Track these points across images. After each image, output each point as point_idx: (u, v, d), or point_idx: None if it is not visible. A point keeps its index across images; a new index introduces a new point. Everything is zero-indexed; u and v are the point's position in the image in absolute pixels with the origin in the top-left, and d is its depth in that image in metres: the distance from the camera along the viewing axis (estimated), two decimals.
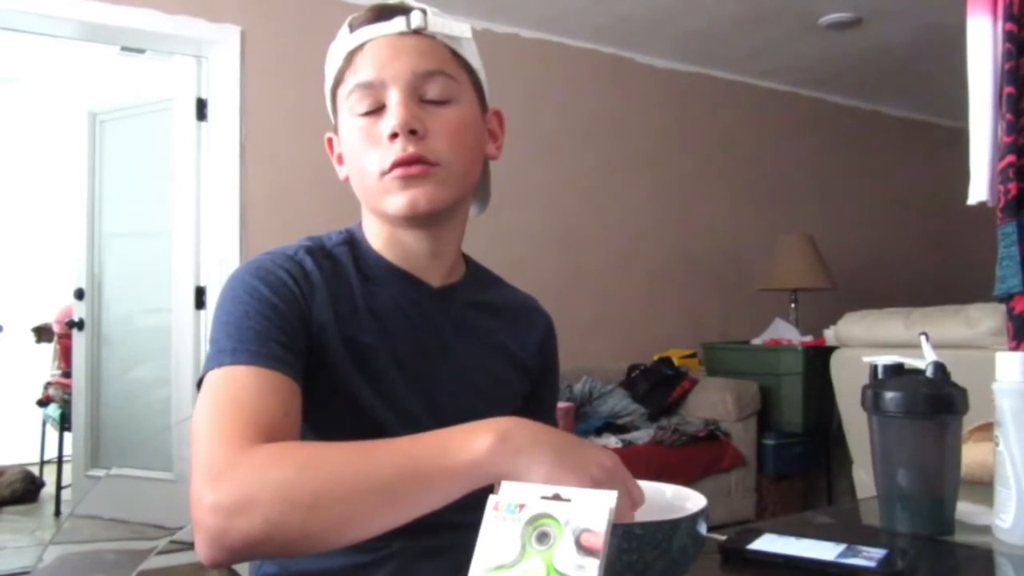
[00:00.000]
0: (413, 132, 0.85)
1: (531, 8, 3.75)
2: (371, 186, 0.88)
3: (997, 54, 1.70)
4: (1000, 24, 1.69)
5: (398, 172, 0.85)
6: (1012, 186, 1.67)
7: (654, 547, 0.62)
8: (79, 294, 3.91)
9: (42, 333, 4.98)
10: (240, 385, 0.76)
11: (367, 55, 0.87)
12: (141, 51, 3.66)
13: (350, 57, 0.88)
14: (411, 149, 0.85)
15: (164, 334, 3.43)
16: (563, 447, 0.65)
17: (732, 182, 4.64)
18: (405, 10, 0.88)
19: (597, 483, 0.62)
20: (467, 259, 1.03)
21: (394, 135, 0.85)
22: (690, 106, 4.51)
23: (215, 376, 0.77)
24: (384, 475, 0.65)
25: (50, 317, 4.79)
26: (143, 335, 3.67)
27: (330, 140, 0.97)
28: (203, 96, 3.33)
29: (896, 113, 5.43)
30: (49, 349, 4.89)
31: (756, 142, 4.75)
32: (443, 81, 0.87)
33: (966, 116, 1.75)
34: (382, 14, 0.88)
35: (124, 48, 3.75)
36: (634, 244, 4.27)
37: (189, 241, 3.32)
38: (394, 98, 0.85)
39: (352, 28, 0.89)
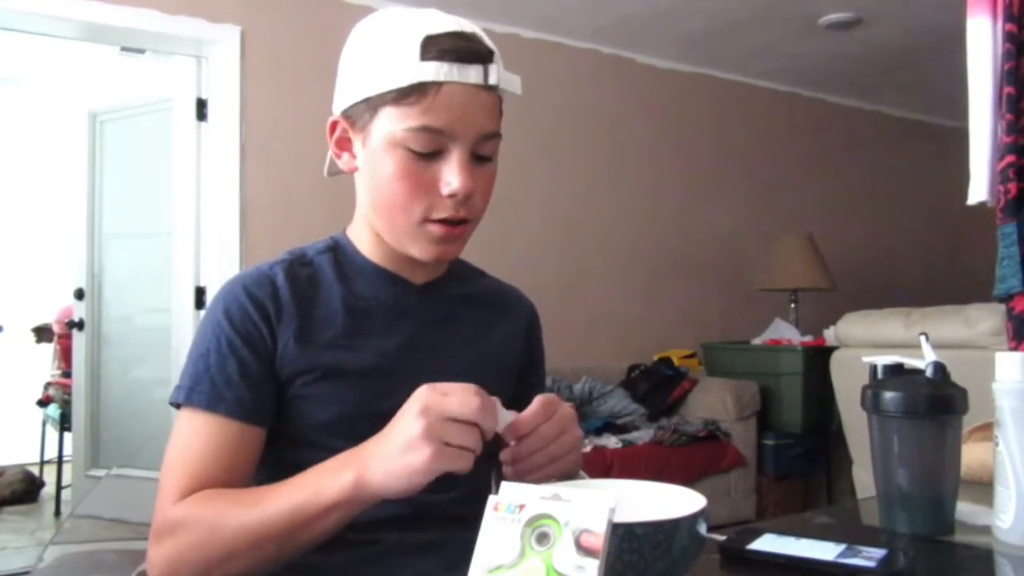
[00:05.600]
0: (468, 196, 0.88)
1: (531, 8, 3.75)
2: (402, 224, 0.89)
3: (997, 54, 1.70)
4: (1000, 24, 1.69)
5: (443, 229, 0.88)
6: (1012, 186, 1.67)
7: (654, 547, 0.62)
8: (79, 294, 3.91)
9: (42, 333, 4.99)
10: (192, 435, 0.86)
11: (443, 99, 0.84)
12: (141, 51, 3.66)
13: (422, 88, 0.84)
14: (463, 213, 0.88)
15: (164, 334, 3.43)
16: (396, 449, 0.73)
17: (732, 182, 4.64)
18: (483, 55, 0.86)
19: (417, 446, 0.71)
20: None
21: (452, 195, 0.86)
22: (690, 106, 4.51)
23: (179, 419, 0.88)
24: (277, 525, 0.78)
25: (50, 317, 4.80)
26: (143, 335, 3.67)
27: (335, 124, 0.93)
28: (203, 96, 3.32)
29: (896, 113, 5.43)
30: (49, 349, 4.90)
31: (756, 142, 4.75)
32: (496, 142, 0.90)
33: (966, 116, 1.75)
34: (463, 55, 0.85)
35: (124, 48, 3.75)
36: (634, 244, 4.27)
37: (189, 241, 3.32)
38: (458, 156, 0.86)
39: (425, 51, 0.84)
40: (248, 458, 0.88)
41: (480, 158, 0.89)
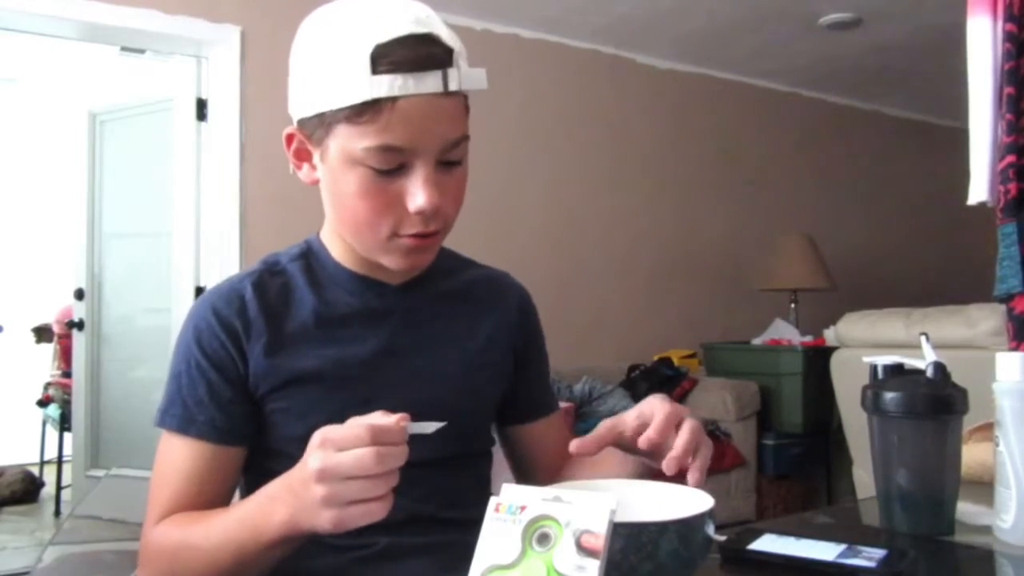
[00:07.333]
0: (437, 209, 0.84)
1: (531, 8, 3.75)
2: (370, 240, 0.86)
3: (997, 54, 1.70)
4: (1000, 24, 1.69)
5: (414, 242, 0.85)
6: (1012, 186, 1.67)
7: (637, 550, 0.61)
8: (79, 294, 3.91)
9: (42, 333, 4.98)
10: (168, 457, 0.88)
11: (400, 114, 0.78)
12: (141, 51, 3.66)
13: (376, 105, 0.78)
14: (432, 227, 0.84)
15: (164, 334, 3.42)
16: (304, 509, 0.71)
17: (732, 182, 4.63)
18: (440, 59, 0.79)
19: (320, 512, 0.69)
20: None
21: (419, 212, 0.82)
22: (690, 106, 4.51)
23: (160, 440, 0.89)
24: (225, 562, 0.79)
25: (50, 317, 4.80)
26: (143, 335, 3.67)
27: (291, 136, 0.90)
28: (203, 96, 3.32)
29: (896, 113, 5.43)
30: (49, 349, 4.89)
31: (756, 142, 4.75)
32: (463, 145, 0.84)
33: (966, 116, 1.75)
34: (418, 63, 0.78)
35: (124, 48, 3.74)
36: (634, 244, 4.27)
37: (189, 241, 3.32)
38: (422, 172, 0.81)
39: (376, 64, 0.77)
40: (224, 478, 0.88)
41: (448, 163, 0.84)
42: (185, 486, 0.86)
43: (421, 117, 0.79)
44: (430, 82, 0.78)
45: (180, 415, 0.87)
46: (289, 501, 0.73)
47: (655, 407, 0.80)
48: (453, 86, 0.79)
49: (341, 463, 0.66)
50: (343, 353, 0.90)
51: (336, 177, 0.84)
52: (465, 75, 0.81)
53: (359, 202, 0.83)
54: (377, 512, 0.68)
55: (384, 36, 0.78)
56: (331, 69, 0.80)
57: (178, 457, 0.87)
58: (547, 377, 1.10)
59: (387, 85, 0.77)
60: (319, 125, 0.83)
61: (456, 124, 0.83)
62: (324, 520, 0.68)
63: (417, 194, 0.81)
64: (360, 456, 0.66)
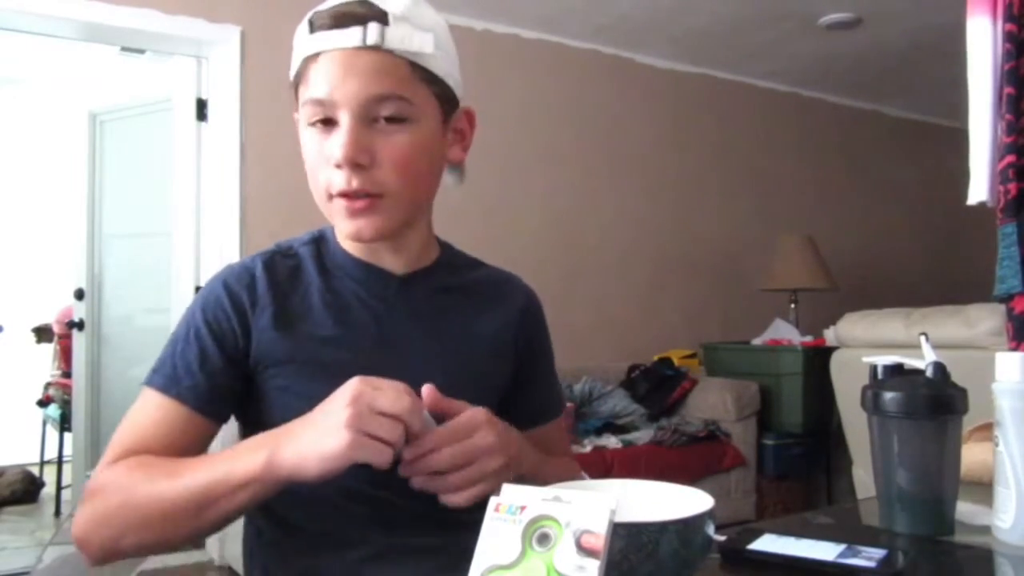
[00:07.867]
0: (359, 165, 0.84)
1: (531, 8, 3.75)
2: (319, 202, 0.90)
3: (997, 54, 1.70)
4: (1000, 24, 1.69)
5: (343, 203, 0.86)
6: (1012, 186, 1.67)
7: (637, 550, 0.61)
8: (79, 294, 3.91)
9: (42, 333, 4.98)
10: (143, 411, 0.88)
11: (321, 68, 0.84)
12: (141, 51, 3.67)
13: (306, 63, 0.85)
14: (355, 184, 0.84)
15: (164, 334, 3.37)
16: (315, 433, 0.73)
17: (732, 182, 4.64)
18: (361, 17, 0.83)
19: (336, 432, 0.70)
20: (442, 243, 1.03)
21: (337, 165, 0.84)
22: (690, 106, 4.51)
23: (139, 396, 0.90)
24: (187, 500, 0.77)
25: (50, 317, 4.79)
26: (143, 335, 3.67)
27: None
28: (203, 96, 3.33)
29: (896, 113, 5.43)
30: (49, 349, 4.89)
31: (756, 142, 4.75)
32: (397, 104, 0.84)
33: (966, 116, 1.75)
34: (340, 20, 0.83)
35: (124, 48, 3.75)
36: (634, 244, 4.27)
37: (189, 241, 3.32)
38: (343, 123, 0.83)
39: (312, 27, 0.85)
40: (188, 445, 0.87)
41: (387, 123, 0.85)
42: (152, 439, 0.85)
43: (338, 70, 0.83)
44: (348, 37, 0.83)
45: (168, 376, 0.88)
46: (277, 438, 0.75)
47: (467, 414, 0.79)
48: (371, 40, 0.83)
49: (377, 396, 0.72)
50: (344, 338, 0.91)
51: (302, 143, 0.89)
52: (394, 35, 0.83)
53: (306, 161, 0.88)
54: (384, 456, 0.71)
55: (326, 4, 0.86)
56: (295, 42, 0.88)
57: (153, 413, 0.87)
58: (552, 381, 1.08)
59: (312, 42, 0.85)
60: (294, 96, 0.89)
61: (379, 79, 0.83)
62: (338, 440, 0.70)
63: (334, 146, 0.84)
64: (397, 398, 0.72)
